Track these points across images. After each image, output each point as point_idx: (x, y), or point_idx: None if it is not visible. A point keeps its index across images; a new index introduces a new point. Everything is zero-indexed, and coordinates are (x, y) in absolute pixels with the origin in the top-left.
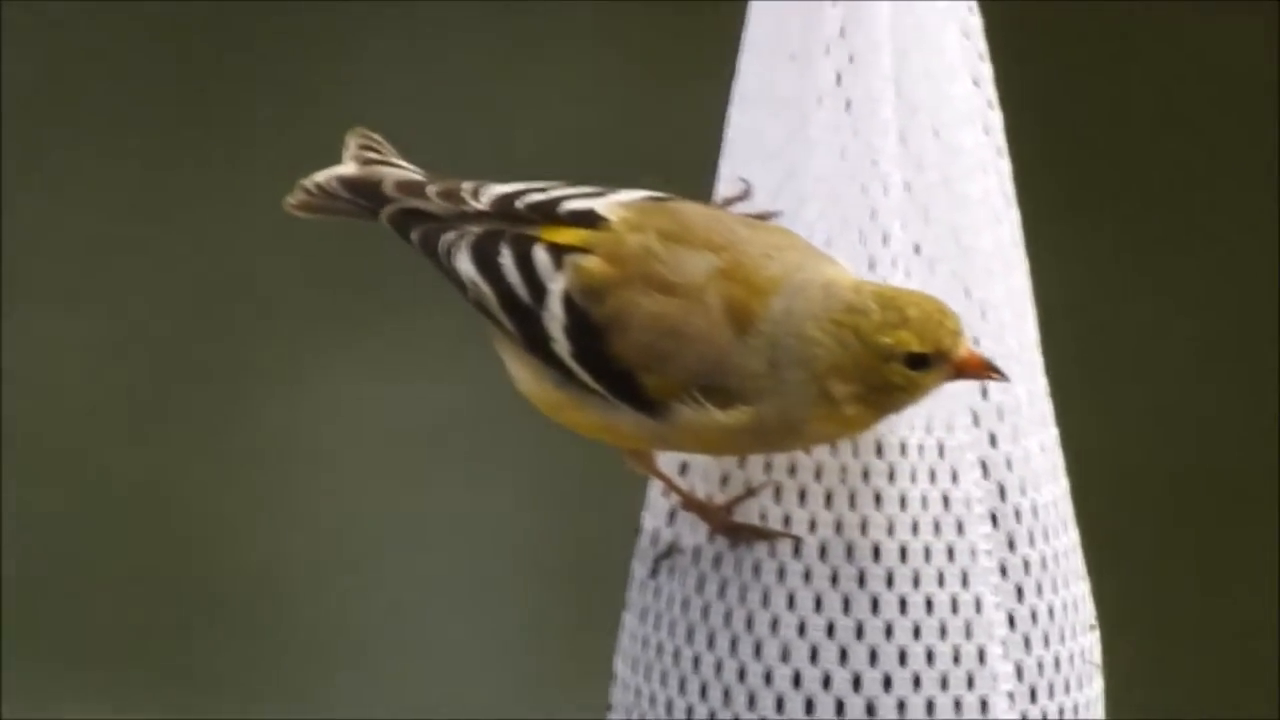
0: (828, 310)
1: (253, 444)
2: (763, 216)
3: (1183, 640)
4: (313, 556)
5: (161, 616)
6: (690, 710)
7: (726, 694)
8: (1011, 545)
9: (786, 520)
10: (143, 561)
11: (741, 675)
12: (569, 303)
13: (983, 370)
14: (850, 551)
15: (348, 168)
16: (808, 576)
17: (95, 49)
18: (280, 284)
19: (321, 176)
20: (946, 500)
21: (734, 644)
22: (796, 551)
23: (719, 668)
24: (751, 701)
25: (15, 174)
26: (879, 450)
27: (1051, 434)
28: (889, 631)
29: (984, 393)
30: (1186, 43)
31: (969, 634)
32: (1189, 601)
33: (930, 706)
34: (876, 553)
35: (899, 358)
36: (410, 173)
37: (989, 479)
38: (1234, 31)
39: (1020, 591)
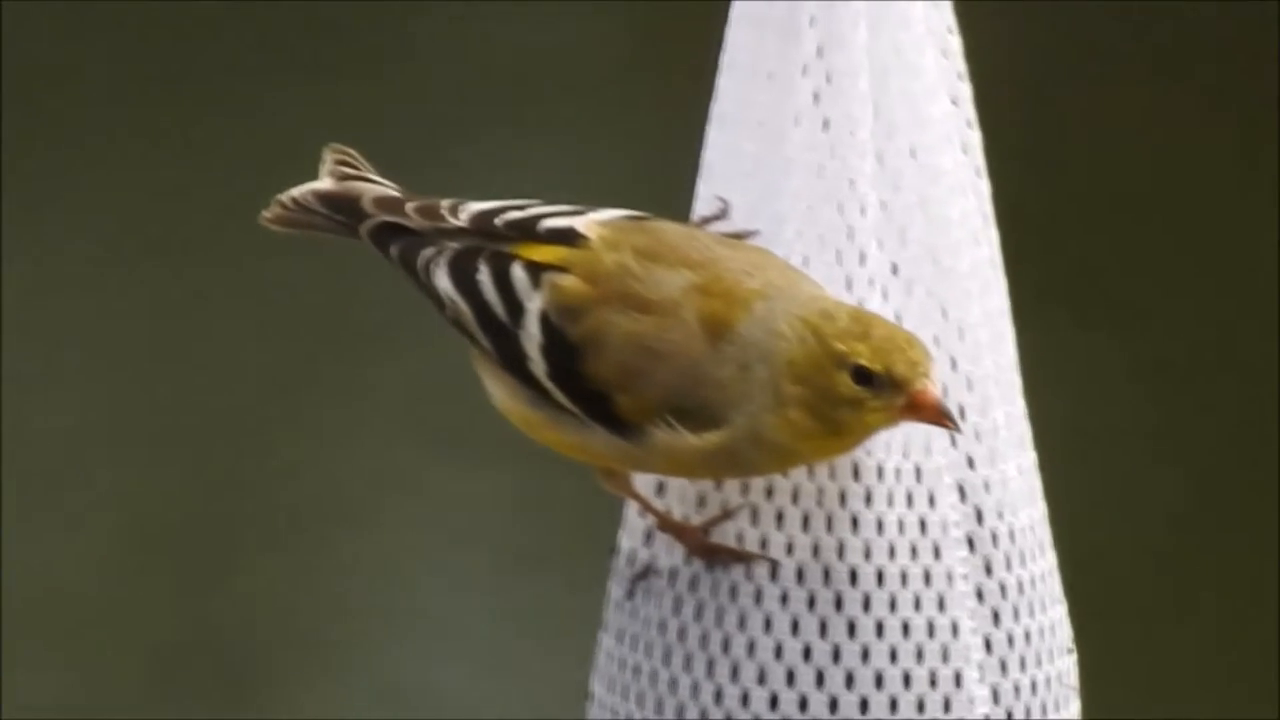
0: (803, 309)
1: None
2: (740, 236)
3: (1179, 642)
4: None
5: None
6: None
7: (702, 716)
8: (989, 569)
9: (763, 543)
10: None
11: (718, 698)
12: (546, 322)
13: (935, 415)
14: (827, 575)
15: (324, 183)
16: (784, 599)
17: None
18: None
19: (298, 191)
20: (923, 524)
21: (710, 666)
22: (773, 574)
23: (695, 690)
24: None
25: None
26: (856, 473)
27: (1029, 457)
28: (865, 655)
29: (961, 414)
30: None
31: (945, 658)
32: (1180, 610)
33: None
34: (853, 576)
35: (848, 367)
36: (387, 189)
37: (966, 503)
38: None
39: (997, 616)
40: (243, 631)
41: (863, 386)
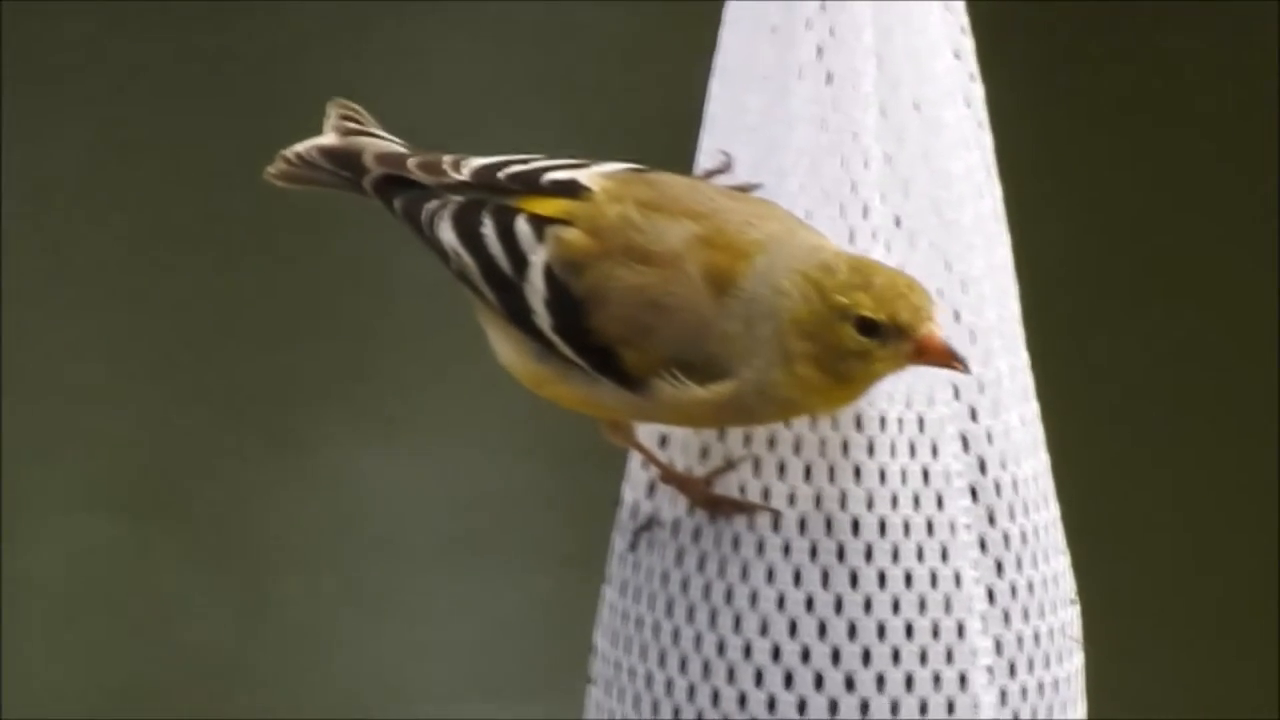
0: (803, 264)
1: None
2: (743, 189)
3: (1177, 636)
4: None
5: None
6: (670, 684)
7: (706, 667)
8: (991, 519)
9: (766, 493)
10: None
11: (721, 649)
12: (550, 275)
13: (943, 357)
14: (829, 525)
15: (328, 138)
16: (787, 550)
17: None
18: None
19: (302, 146)
20: (926, 474)
21: (713, 617)
22: (775, 525)
23: (698, 641)
24: (731, 675)
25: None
26: (858, 424)
27: (1032, 408)
28: (868, 605)
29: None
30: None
31: (948, 608)
32: (1184, 592)
33: (909, 681)
34: (855, 527)
35: (852, 320)
36: (391, 143)
37: (969, 453)
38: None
39: (1000, 566)
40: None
41: (868, 337)
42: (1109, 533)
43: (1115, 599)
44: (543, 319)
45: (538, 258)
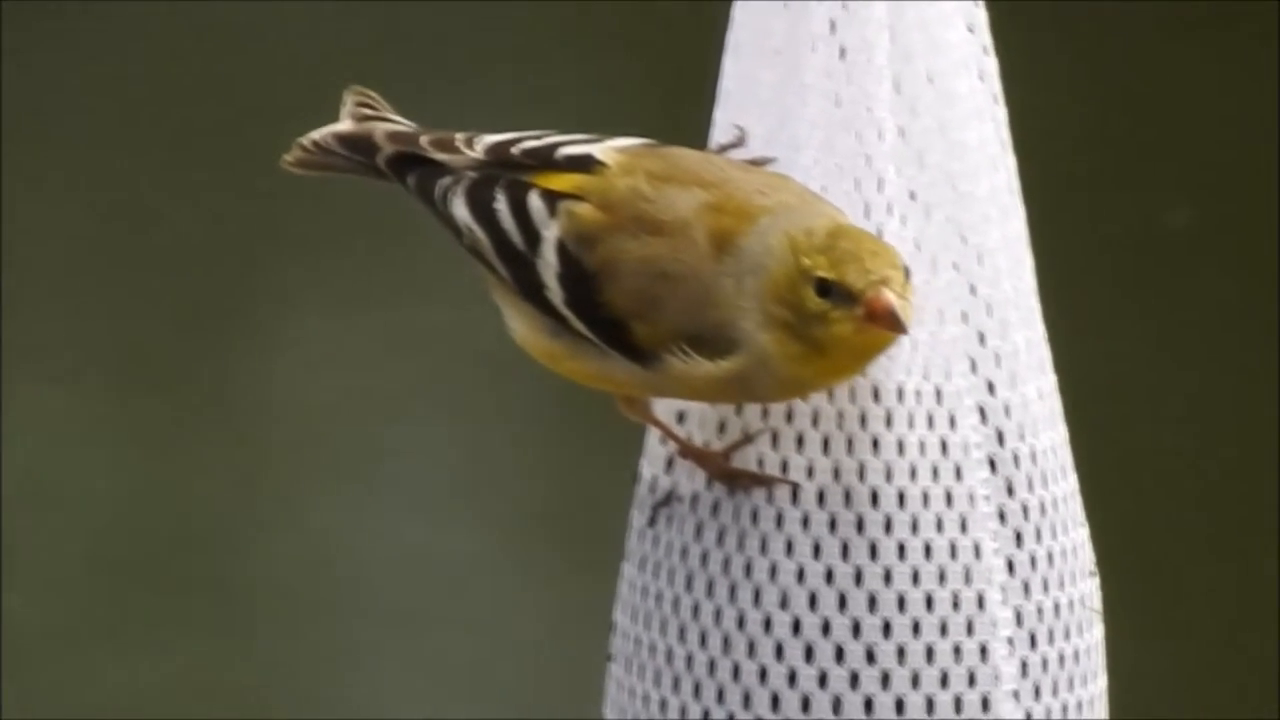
0: (793, 225)
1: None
2: (757, 163)
3: (1177, 636)
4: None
5: None
6: (690, 658)
7: (726, 641)
8: (1010, 490)
9: (784, 466)
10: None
11: (740, 622)
12: (563, 250)
13: (886, 321)
14: (848, 497)
15: (344, 124)
16: (805, 523)
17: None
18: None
19: (318, 134)
20: (944, 445)
21: (732, 591)
22: (794, 498)
23: (718, 615)
24: (751, 649)
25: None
26: (876, 395)
27: (1049, 380)
28: (887, 577)
29: (981, 339)
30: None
31: (968, 579)
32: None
33: (930, 652)
34: (874, 498)
35: (811, 281)
36: (403, 125)
37: (987, 424)
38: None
39: (1019, 537)
40: None
41: (824, 299)
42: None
43: (1116, 599)
44: (555, 294)
45: (550, 233)
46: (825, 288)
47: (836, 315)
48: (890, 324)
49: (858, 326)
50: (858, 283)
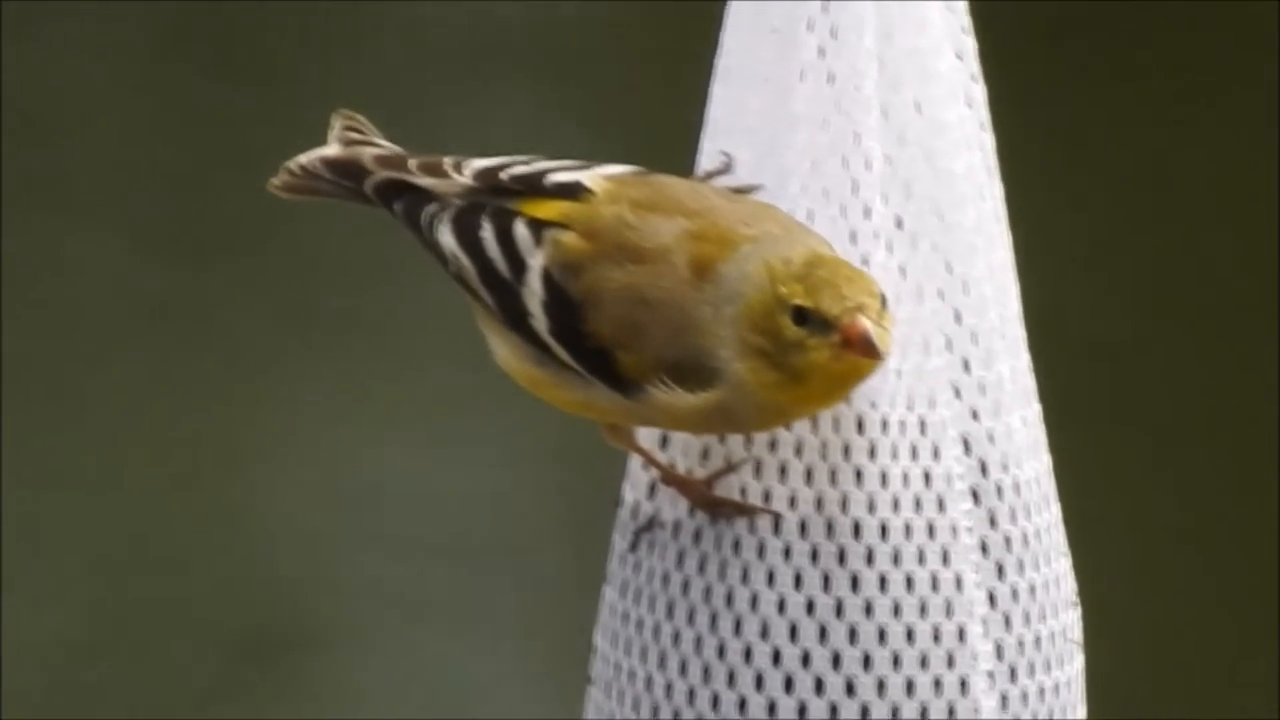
0: (771, 254)
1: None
2: (744, 190)
3: (1178, 636)
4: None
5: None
6: (669, 686)
7: (706, 670)
8: (993, 522)
9: (767, 496)
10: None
11: (721, 652)
12: (548, 278)
13: (862, 349)
14: (830, 528)
15: (331, 149)
16: (787, 553)
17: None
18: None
19: (305, 158)
20: (928, 477)
21: (713, 620)
22: (776, 528)
23: (698, 644)
24: (730, 678)
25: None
26: (860, 426)
27: (1034, 409)
28: (869, 609)
29: (966, 367)
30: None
31: (949, 612)
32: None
33: (910, 686)
34: (857, 530)
35: (788, 309)
36: (390, 149)
37: (971, 455)
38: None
39: (1001, 569)
40: None
41: (801, 327)
42: (1109, 534)
43: (1115, 599)
44: (540, 322)
45: (536, 261)
46: (802, 315)
47: (813, 343)
48: (866, 351)
49: (834, 354)
50: (833, 310)
